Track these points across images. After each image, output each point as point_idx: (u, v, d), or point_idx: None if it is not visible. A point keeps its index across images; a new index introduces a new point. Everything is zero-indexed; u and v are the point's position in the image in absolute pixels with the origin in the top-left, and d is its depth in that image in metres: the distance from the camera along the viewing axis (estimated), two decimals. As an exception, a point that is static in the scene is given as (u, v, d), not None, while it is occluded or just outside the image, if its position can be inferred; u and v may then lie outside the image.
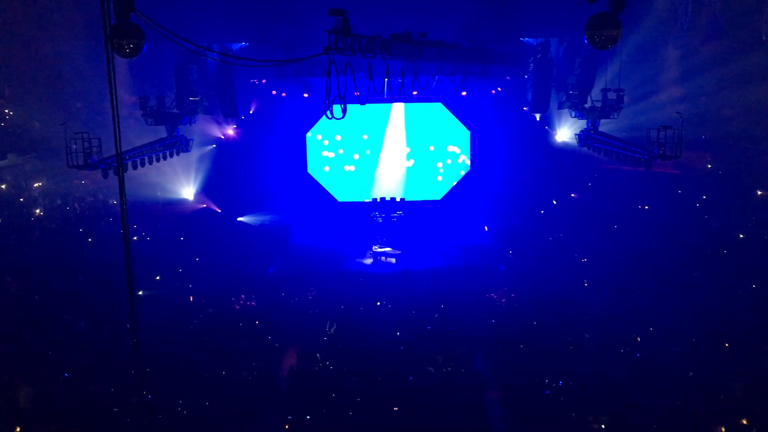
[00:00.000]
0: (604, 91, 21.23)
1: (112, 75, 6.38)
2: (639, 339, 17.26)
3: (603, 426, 13.12)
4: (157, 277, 22.04)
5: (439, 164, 31.51)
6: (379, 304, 20.62)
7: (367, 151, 31.22)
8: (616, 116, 21.26)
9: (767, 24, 22.70)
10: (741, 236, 23.60)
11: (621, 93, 20.92)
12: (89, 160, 18.27)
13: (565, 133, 26.52)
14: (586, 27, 11.72)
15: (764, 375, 14.78)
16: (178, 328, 18.41)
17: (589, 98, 21.88)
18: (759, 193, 25.49)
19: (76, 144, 18.21)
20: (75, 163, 18.35)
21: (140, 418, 13.36)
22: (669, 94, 26.26)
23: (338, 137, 30.96)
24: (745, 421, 12.76)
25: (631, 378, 14.92)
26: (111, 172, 18.60)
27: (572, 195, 29.69)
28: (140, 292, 20.00)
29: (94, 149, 18.33)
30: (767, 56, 24.21)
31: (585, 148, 22.56)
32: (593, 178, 29.32)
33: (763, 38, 23.17)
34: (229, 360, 16.39)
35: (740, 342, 16.33)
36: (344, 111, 11.59)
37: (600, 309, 19.55)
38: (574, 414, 13.51)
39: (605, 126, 22.00)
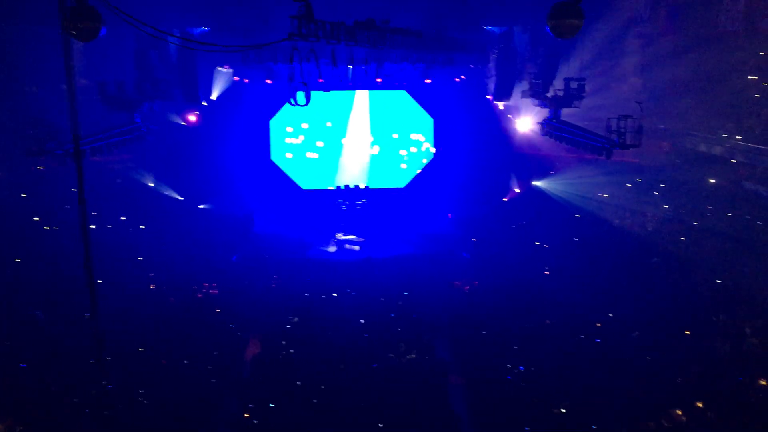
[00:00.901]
0: (567, 80, 21.43)
1: (68, 59, 6.22)
2: (599, 325, 17.55)
3: (563, 410, 13.34)
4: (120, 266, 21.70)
5: (403, 152, 31.57)
6: (337, 294, 20.58)
7: (331, 139, 31.09)
8: (577, 105, 21.48)
9: (724, 15, 23.11)
10: (700, 224, 24.10)
11: (582, 82, 21.14)
12: (45, 147, 17.83)
13: (527, 121, 26.73)
14: (548, 16, 11.79)
15: (718, 359, 15.18)
16: (138, 317, 18.14)
17: (551, 87, 22.07)
18: (712, 181, 26.05)
19: (32, 130, 17.75)
20: (31, 150, 17.89)
21: (100, 408, 13.19)
22: (629, 84, 26.64)
23: (304, 125, 30.79)
24: (700, 404, 13.09)
25: (591, 363, 15.19)
26: (68, 159, 18.18)
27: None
28: (99, 281, 19.62)
29: (51, 135, 17.89)
30: (725, 47, 24.67)
31: (547, 137, 22.77)
32: (555, 166, 29.67)
33: (719, 29, 23.59)
34: (191, 348, 16.23)
35: (696, 327, 16.73)
36: (308, 98, 11.48)
37: (561, 296, 19.83)
38: (535, 399, 13.71)
39: (567, 115, 22.22)
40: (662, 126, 27.20)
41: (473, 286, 21.39)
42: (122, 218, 26.17)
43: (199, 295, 20.35)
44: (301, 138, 31.02)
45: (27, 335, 16.42)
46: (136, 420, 13.16)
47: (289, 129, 30.90)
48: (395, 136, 31.30)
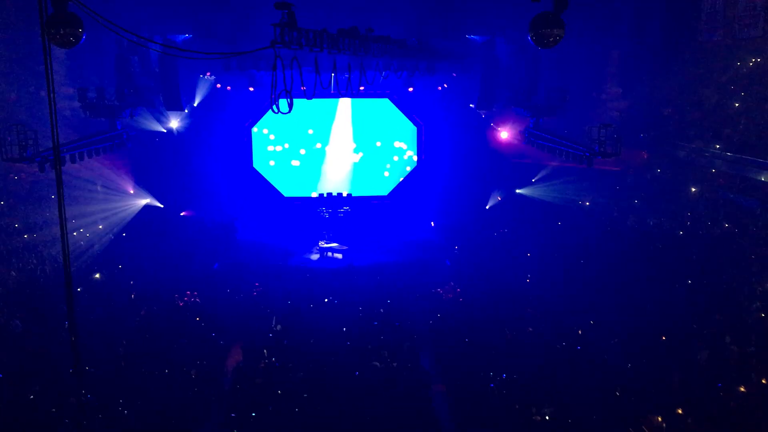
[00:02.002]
0: (548, 89, 21.60)
1: (49, 65, 6.15)
2: (580, 332, 17.65)
3: (546, 417, 13.38)
4: (96, 275, 21.46)
5: (386, 160, 31.62)
6: (325, 300, 20.55)
7: (318, 145, 31.11)
8: (559, 114, 21.65)
9: (704, 26, 23.42)
10: (681, 233, 24.31)
11: (564, 92, 21.32)
12: (25, 153, 17.64)
13: (510, 129, 26.90)
14: (530, 26, 11.90)
15: (698, 366, 15.30)
16: (118, 326, 17.98)
17: (533, 96, 22.22)
18: (693, 189, 26.30)
19: (10, 136, 17.55)
20: (10, 156, 17.69)
21: (79, 419, 13.02)
22: (610, 94, 26.90)
23: (286, 132, 30.76)
24: (680, 411, 13.19)
25: (572, 370, 15.25)
26: (47, 166, 18.00)
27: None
28: (78, 289, 19.45)
29: (30, 142, 17.70)
30: (703, 57, 24.98)
31: (529, 145, 22.92)
32: (537, 174, 29.87)
33: (699, 40, 23.91)
34: (172, 358, 16.10)
35: (676, 335, 16.86)
36: (290, 105, 11.44)
37: (542, 303, 19.92)
38: (517, 406, 13.74)
39: (548, 124, 22.38)
40: (642, 135, 27.47)
41: (455, 293, 21.42)
42: (99, 226, 25.96)
43: (181, 304, 20.19)
44: (285, 146, 30.99)
45: (4, 345, 16.18)
46: (116, 430, 13.01)
47: (272, 137, 30.87)
48: (378, 144, 31.35)
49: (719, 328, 17.00)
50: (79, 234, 24.37)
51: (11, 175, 26.29)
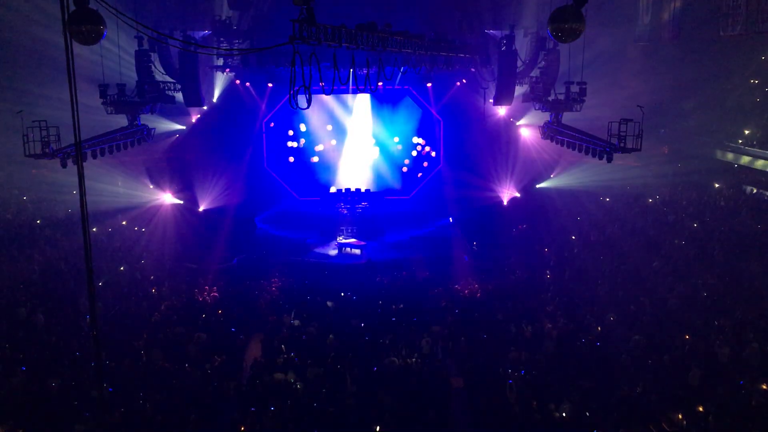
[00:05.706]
0: (567, 84, 21.44)
1: (71, 62, 6.21)
2: (599, 328, 17.54)
3: (564, 414, 13.32)
4: (121, 268, 21.68)
5: (405, 156, 31.60)
6: (343, 294, 20.59)
7: (332, 142, 31.16)
8: (578, 109, 21.48)
9: (725, 19, 23.15)
10: (702, 228, 24.07)
11: (584, 86, 21.15)
12: (47, 149, 17.82)
13: (528, 124, 26.79)
14: (549, 20, 11.83)
15: (719, 364, 15.15)
16: (139, 320, 18.15)
17: (552, 91, 22.06)
18: (713, 185, 26.04)
19: (33, 132, 17.73)
20: (32, 152, 17.89)
21: (100, 412, 13.16)
22: (630, 88, 26.71)
23: (303, 128, 30.84)
24: (701, 408, 13.07)
25: (592, 367, 15.17)
26: (70, 162, 18.19)
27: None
28: (100, 284, 19.65)
29: (53, 138, 17.88)
30: (724, 53, 24.72)
31: (548, 140, 22.77)
32: (556, 169, 29.73)
33: (721, 34, 23.65)
34: (191, 352, 16.23)
35: (697, 331, 16.70)
36: (309, 101, 11.47)
37: (561, 299, 19.82)
38: (536, 402, 13.70)
39: (568, 118, 22.21)
40: (662, 130, 27.25)
41: (474, 289, 21.37)
42: (123, 222, 26.22)
43: (200, 298, 20.34)
44: (302, 141, 31.07)
45: (26, 338, 16.39)
46: (136, 423, 13.14)
47: (290, 132, 30.95)
48: (396, 139, 31.33)
49: (741, 324, 16.83)
50: (100, 228, 24.62)
51: (34, 171, 26.67)
